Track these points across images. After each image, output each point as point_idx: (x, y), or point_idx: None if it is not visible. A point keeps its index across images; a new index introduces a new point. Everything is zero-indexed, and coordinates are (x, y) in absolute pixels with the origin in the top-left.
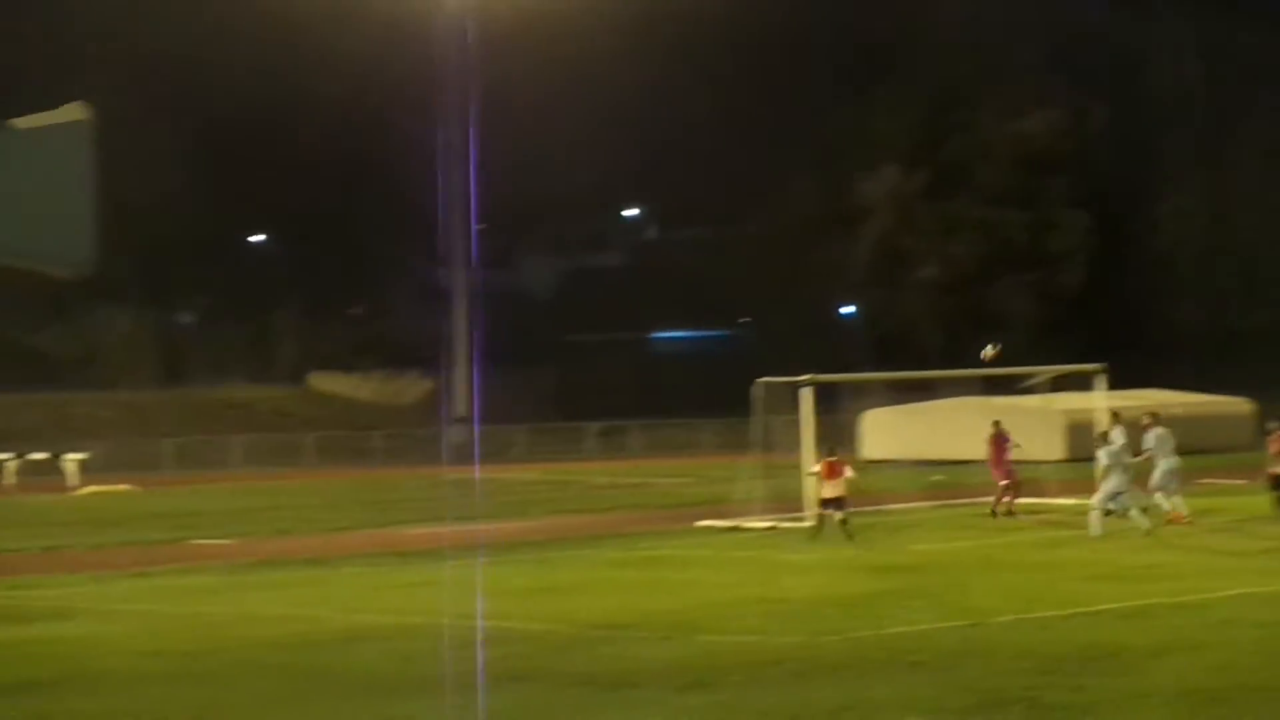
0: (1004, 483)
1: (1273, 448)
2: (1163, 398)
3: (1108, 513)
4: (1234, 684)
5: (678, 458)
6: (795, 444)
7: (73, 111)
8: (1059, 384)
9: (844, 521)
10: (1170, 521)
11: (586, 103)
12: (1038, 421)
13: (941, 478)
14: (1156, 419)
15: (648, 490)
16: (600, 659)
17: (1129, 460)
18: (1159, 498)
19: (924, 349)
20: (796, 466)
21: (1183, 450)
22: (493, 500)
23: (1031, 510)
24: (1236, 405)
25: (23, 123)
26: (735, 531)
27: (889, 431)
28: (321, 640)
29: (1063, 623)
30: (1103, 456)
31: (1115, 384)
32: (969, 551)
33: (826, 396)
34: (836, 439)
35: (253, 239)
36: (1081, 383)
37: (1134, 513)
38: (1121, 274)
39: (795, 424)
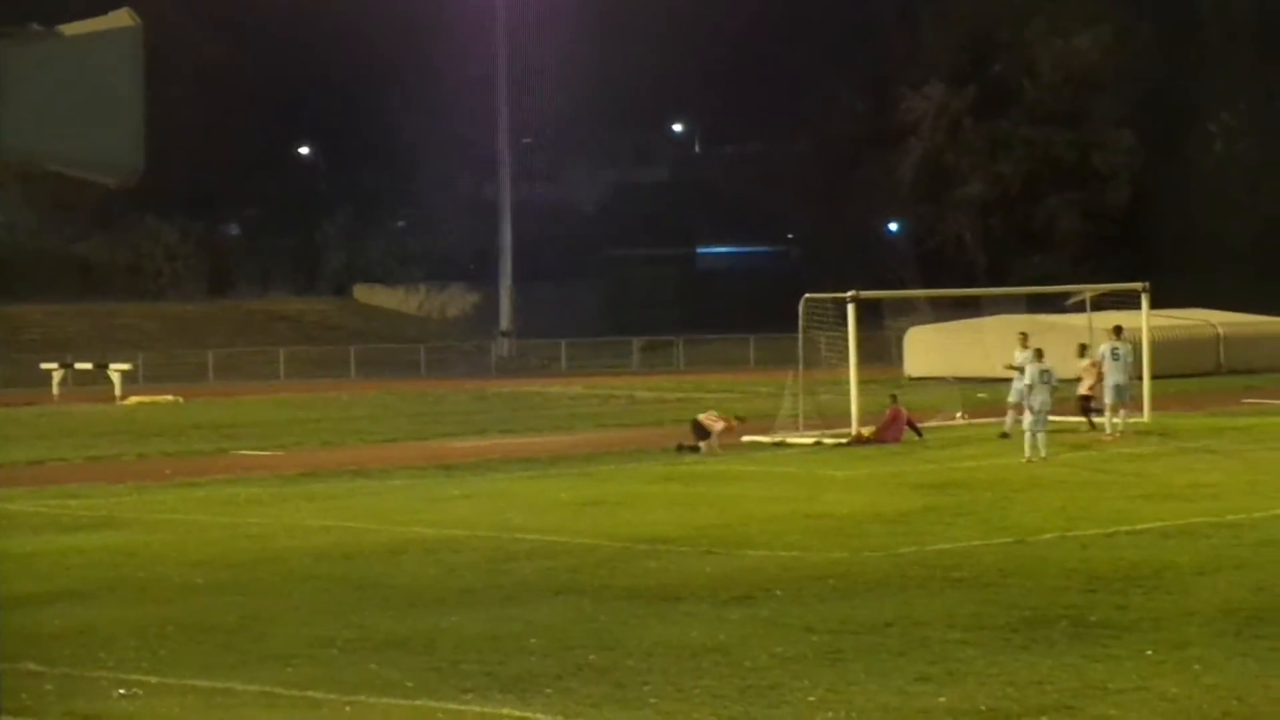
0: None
1: None
2: (1206, 316)
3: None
4: (1275, 604)
5: (722, 373)
6: (840, 360)
7: (121, 18)
8: (1103, 302)
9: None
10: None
11: (633, 17)
12: (1082, 339)
13: (985, 395)
14: (1026, 339)
15: (692, 405)
16: (644, 573)
17: (1054, 382)
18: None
19: (969, 267)
20: (841, 383)
21: (1228, 370)
22: (537, 414)
23: (1074, 429)
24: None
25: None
26: (780, 447)
27: (933, 349)
28: (365, 552)
29: (1105, 541)
30: (1029, 376)
31: (1161, 303)
32: (1012, 469)
33: (871, 313)
34: (881, 355)
35: (300, 151)
36: (1126, 301)
37: (1040, 436)
38: (1168, 193)
39: (840, 340)
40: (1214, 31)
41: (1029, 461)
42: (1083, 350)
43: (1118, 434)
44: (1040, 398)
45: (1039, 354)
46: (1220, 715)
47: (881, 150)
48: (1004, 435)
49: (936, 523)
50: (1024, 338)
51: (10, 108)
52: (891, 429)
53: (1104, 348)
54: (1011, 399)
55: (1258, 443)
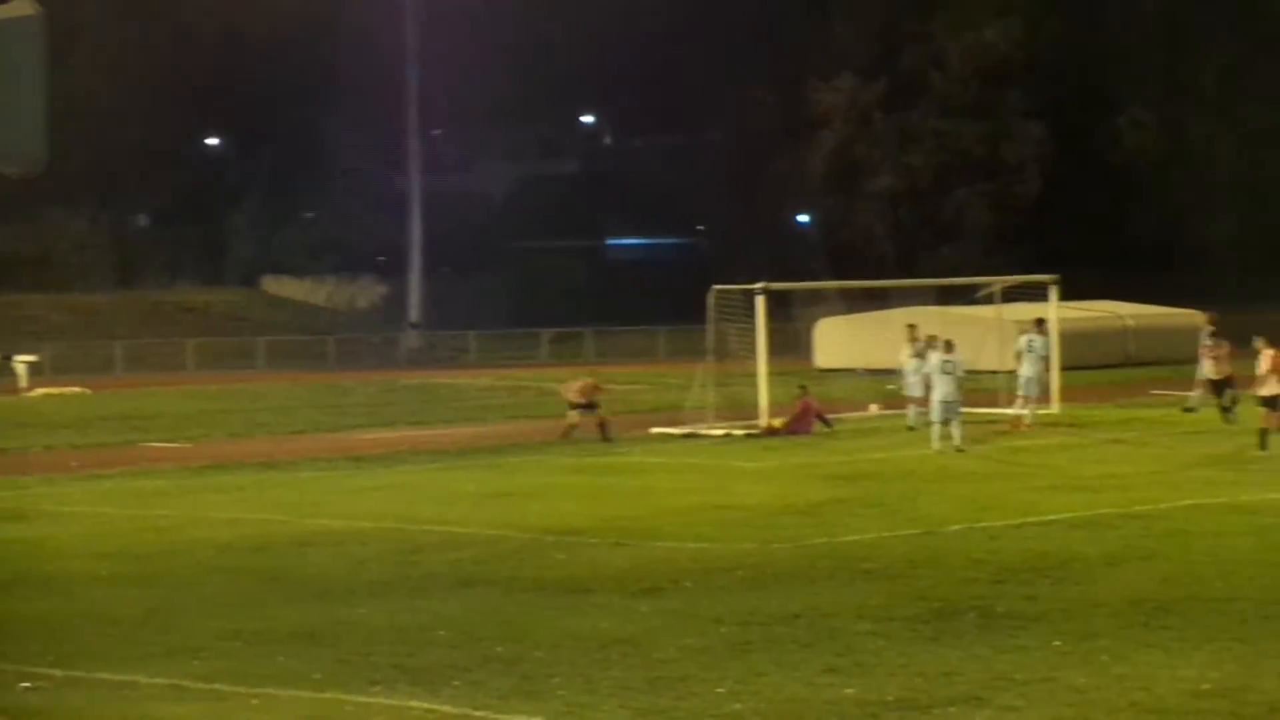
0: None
1: (1208, 355)
2: (1115, 308)
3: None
4: (1183, 594)
5: (632, 364)
6: (750, 351)
7: (22, 6)
8: (1012, 294)
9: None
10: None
11: (545, 8)
12: (991, 332)
13: (895, 387)
14: (915, 330)
15: (602, 397)
16: (552, 565)
17: (959, 372)
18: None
19: (879, 258)
20: (750, 375)
21: (1137, 361)
22: (446, 406)
23: (986, 420)
24: (1190, 317)
25: None
26: (689, 438)
27: (843, 340)
28: (273, 544)
29: (1014, 532)
30: (931, 366)
31: (1069, 295)
32: (921, 461)
33: (781, 305)
34: (790, 347)
35: (208, 141)
36: (1035, 293)
37: (945, 428)
38: (1077, 185)
39: (750, 332)
40: (1122, 25)
41: (939, 453)
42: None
43: (1028, 425)
44: (943, 389)
45: (949, 345)
46: (1128, 705)
47: (792, 142)
48: (910, 428)
49: (846, 514)
50: (911, 329)
51: None
52: (802, 421)
53: (1022, 339)
54: (910, 392)
55: (1165, 434)
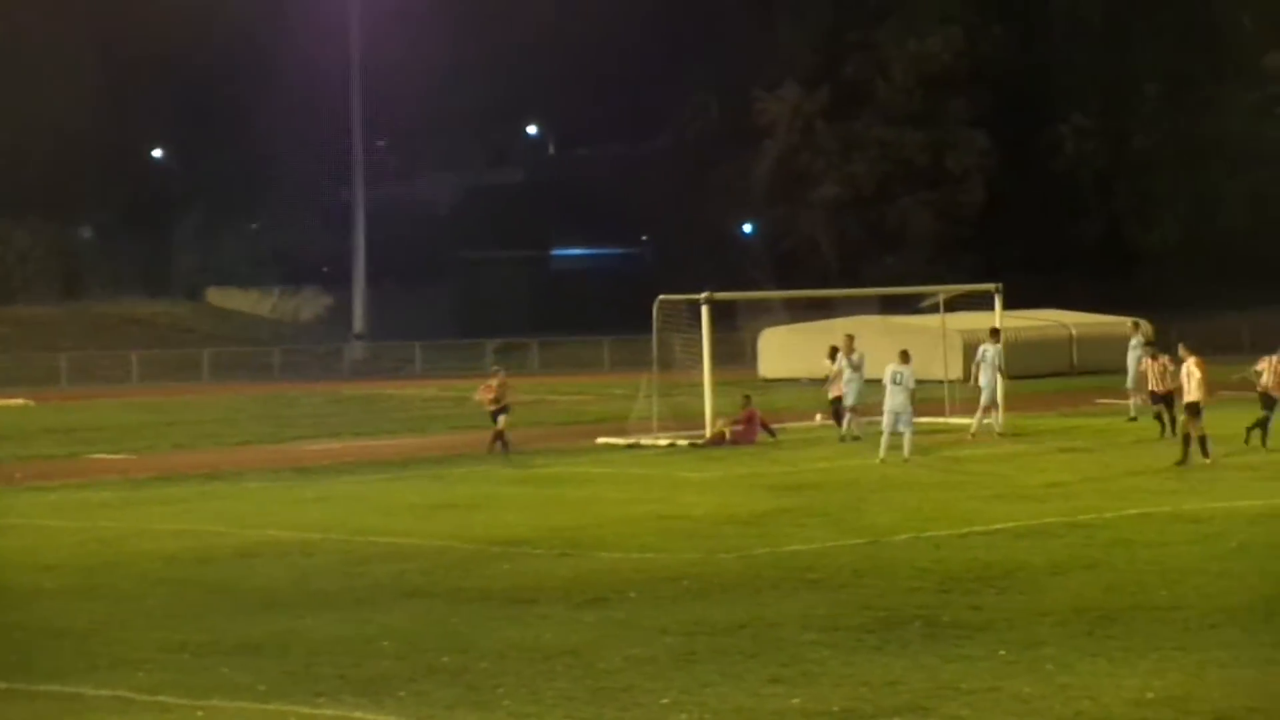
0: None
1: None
2: (1059, 317)
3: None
4: (1128, 604)
5: (577, 375)
6: (695, 361)
7: None
8: (957, 303)
9: None
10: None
11: (488, 18)
12: (935, 341)
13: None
14: (852, 341)
15: (546, 407)
16: (497, 575)
17: (909, 384)
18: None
19: (823, 268)
20: (695, 385)
21: (1080, 370)
22: (391, 417)
23: (930, 430)
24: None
25: None
26: (634, 449)
27: (787, 350)
28: (219, 556)
29: (959, 541)
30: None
31: (1013, 303)
32: (866, 470)
33: (725, 315)
34: (735, 357)
35: (153, 154)
36: (979, 302)
37: (906, 437)
38: (1021, 194)
39: (694, 342)
40: (1065, 33)
41: (883, 462)
42: (833, 353)
43: (976, 434)
44: (894, 399)
45: (904, 355)
46: (1073, 715)
47: (736, 151)
48: (854, 438)
49: (790, 524)
50: (849, 340)
51: None
52: (747, 430)
53: (980, 349)
54: (849, 401)
55: (1110, 443)
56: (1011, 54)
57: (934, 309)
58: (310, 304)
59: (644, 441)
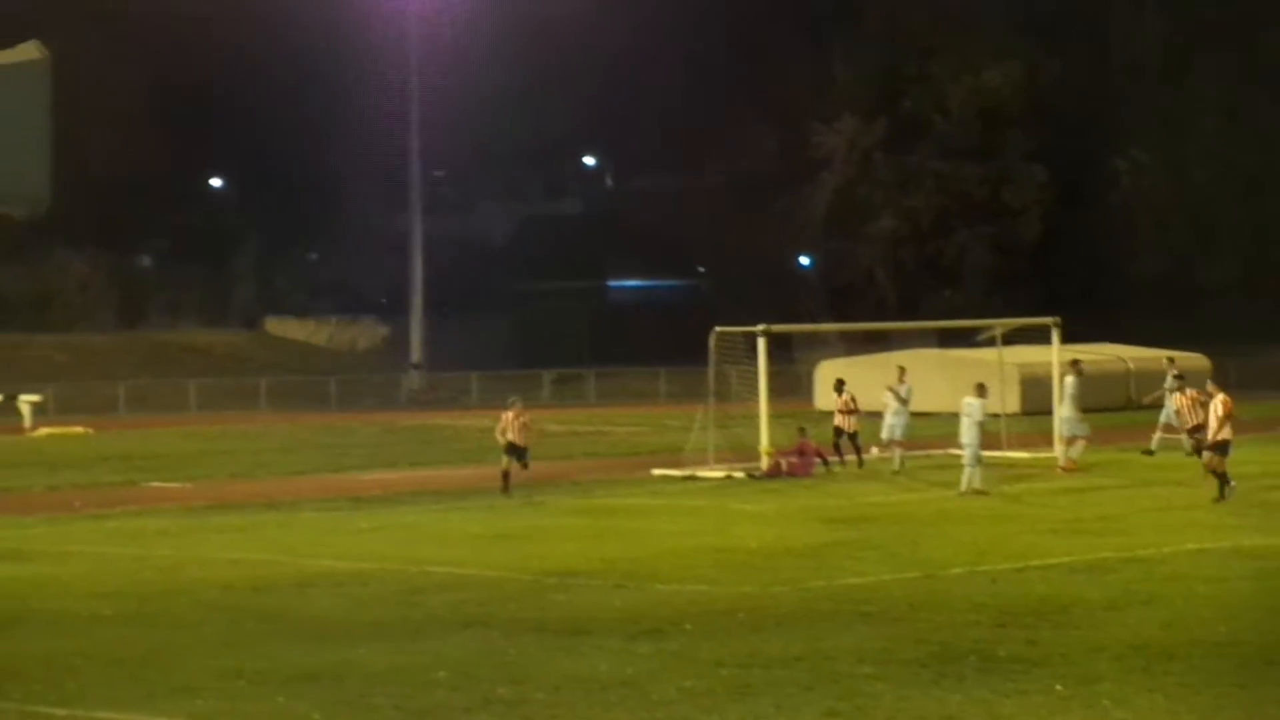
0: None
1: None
2: (1117, 351)
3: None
4: (1185, 639)
5: (633, 406)
6: (751, 393)
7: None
8: (1014, 337)
9: None
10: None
11: (546, 50)
12: (992, 375)
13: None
14: (904, 373)
15: (602, 438)
16: (552, 606)
17: (980, 416)
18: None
19: (880, 301)
20: (752, 416)
21: (1139, 405)
22: (447, 447)
23: (987, 464)
24: (1192, 360)
25: None
26: (690, 480)
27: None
28: (275, 584)
29: (1015, 576)
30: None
31: (1070, 338)
32: (922, 504)
33: (782, 347)
34: (792, 389)
35: (211, 183)
36: (1037, 336)
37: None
38: (1078, 228)
39: (751, 374)
40: (1122, 67)
41: (961, 495)
42: (839, 385)
43: (1072, 464)
44: (963, 432)
45: (978, 389)
46: None
47: (793, 184)
48: (895, 472)
49: (846, 557)
50: (901, 372)
51: None
52: (802, 463)
53: (1066, 381)
54: (896, 435)
55: (1167, 478)
56: (1070, 88)
57: (991, 343)
58: (367, 334)
59: (700, 473)
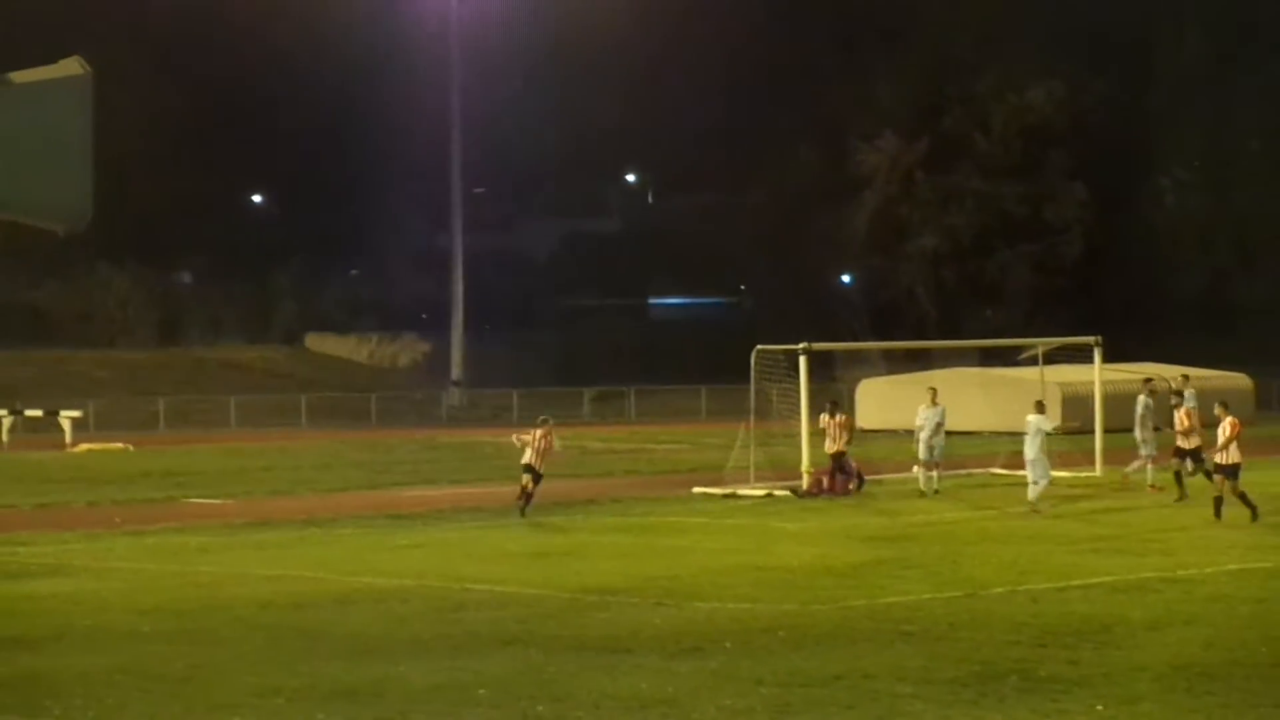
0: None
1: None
2: (1159, 370)
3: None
4: (1226, 659)
5: (674, 424)
6: (792, 411)
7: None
8: (1055, 356)
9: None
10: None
11: (587, 68)
12: (1034, 393)
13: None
14: (936, 395)
15: (643, 456)
16: (593, 624)
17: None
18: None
19: (921, 319)
20: (793, 435)
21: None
22: (488, 464)
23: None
24: (1233, 380)
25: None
26: (730, 499)
27: (885, 401)
28: (314, 601)
29: (1056, 595)
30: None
31: (1112, 357)
32: (963, 522)
33: (823, 365)
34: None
35: (251, 199)
36: (1078, 355)
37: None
38: (1120, 247)
39: (792, 392)
40: (1165, 86)
41: (1035, 511)
42: (832, 409)
43: (1157, 485)
44: (1029, 449)
45: (1037, 405)
46: None
47: (834, 202)
48: (934, 492)
49: (887, 575)
50: (933, 393)
51: None
52: (842, 481)
53: (1140, 400)
54: (931, 455)
55: (1208, 499)
56: (1112, 106)
57: (1033, 361)
58: (408, 350)
59: (740, 491)
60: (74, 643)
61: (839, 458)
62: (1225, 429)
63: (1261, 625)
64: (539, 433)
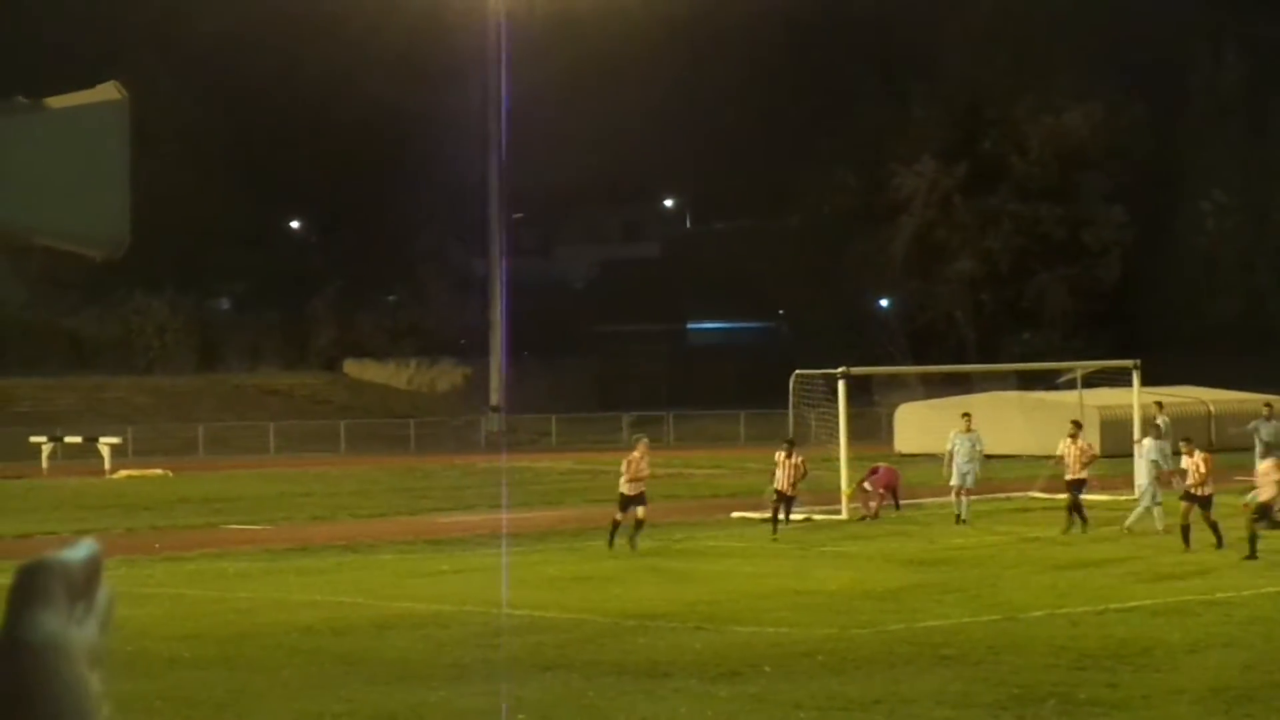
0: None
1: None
2: (1198, 394)
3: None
4: (1265, 682)
5: (713, 449)
6: (831, 436)
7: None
8: (1094, 379)
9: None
10: None
11: (625, 93)
12: (1072, 416)
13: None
14: (970, 420)
15: (682, 481)
16: (632, 649)
17: (1157, 456)
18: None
19: (960, 343)
20: (831, 459)
21: (1220, 448)
22: (527, 489)
23: (1062, 506)
24: (1275, 403)
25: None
26: (769, 523)
27: (923, 425)
28: (353, 627)
29: (1095, 618)
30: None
31: (1150, 380)
32: (1002, 546)
33: (862, 390)
34: (871, 432)
35: (290, 225)
36: (1117, 378)
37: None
38: (1158, 270)
39: (831, 416)
40: (1204, 109)
41: (1166, 531)
42: (789, 449)
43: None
44: (1141, 475)
45: (1154, 430)
46: None
47: (872, 226)
48: (962, 521)
49: (925, 599)
50: (967, 419)
51: None
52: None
53: (1253, 424)
54: (954, 481)
55: (1246, 521)
56: (1150, 129)
57: (1071, 385)
58: (446, 376)
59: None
60: (113, 668)
61: (788, 499)
62: (1200, 464)
63: None
64: (635, 454)
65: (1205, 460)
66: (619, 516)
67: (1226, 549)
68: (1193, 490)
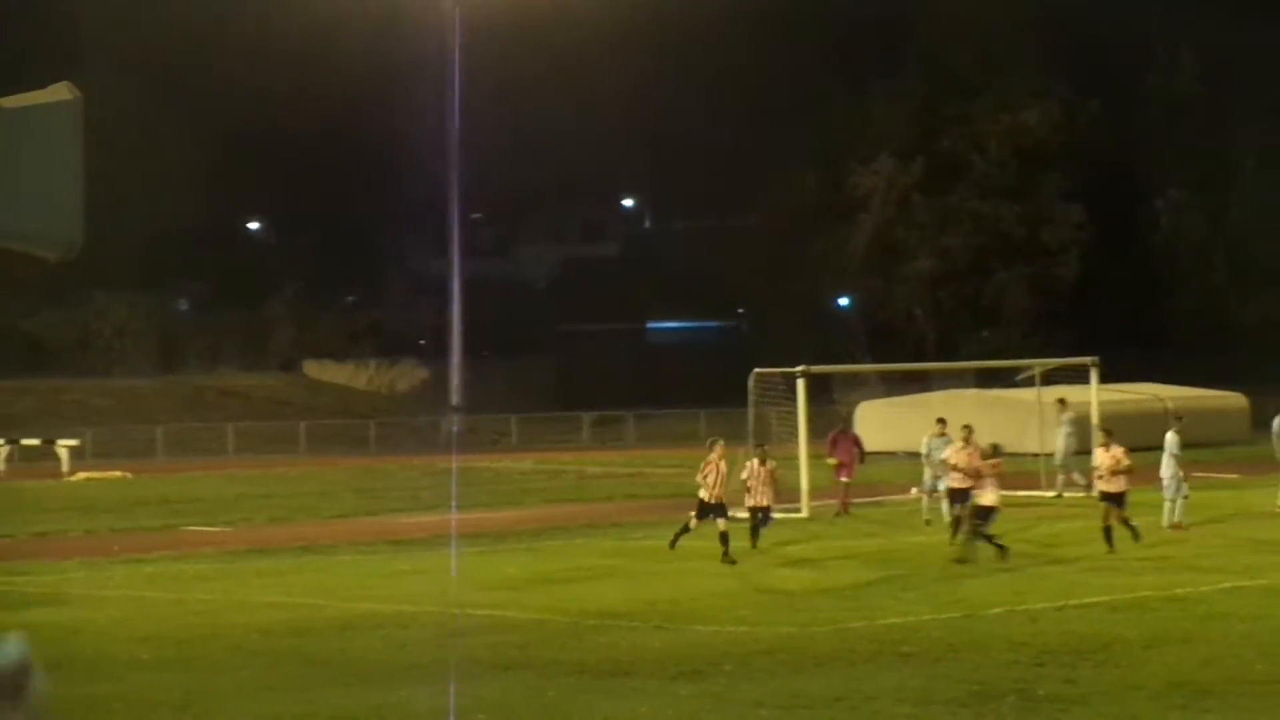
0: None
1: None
2: (1156, 391)
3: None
4: (1223, 677)
5: (673, 448)
6: (791, 435)
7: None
8: (1053, 377)
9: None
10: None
11: (583, 92)
12: (1031, 414)
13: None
14: (944, 425)
15: (643, 480)
16: (593, 648)
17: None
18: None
19: (919, 341)
20: (791, 457)
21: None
22: (487, 489)
23: (1026, 503)
24: (1231, 399)
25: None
26: (729, 521)
27: (884, 423)
28: (314, 628)
29: (1054, 615)
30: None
31: (1109, 377)
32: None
33: (822, 388)
34: (831, 430)
35: (249, 226)
36: (1076, 376)
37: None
38: (1116, 267)
39: (791, 415)
40: (1161, 107)
41: (1184, 530)
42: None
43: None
44: (1169, 470)
45: (1177, 422)
46: None
47: (831, 225)
48: (926, 522)
49: (885, 597)
50: (942, 424)
51: None
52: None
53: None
54: (926, 484)
55: (1204, 517)
56: (1107, 128)
57: (1030, 383)
58: (406, 377)
59: (740, 515)
60: (73, 671)
61: (765, 513)
62: (1121, 459)
63: (1258, 643)
64: (712, 457)
65: (1125, 454)
66: (693, 524)
67: (1117, 551)
68: (1107, 489)
